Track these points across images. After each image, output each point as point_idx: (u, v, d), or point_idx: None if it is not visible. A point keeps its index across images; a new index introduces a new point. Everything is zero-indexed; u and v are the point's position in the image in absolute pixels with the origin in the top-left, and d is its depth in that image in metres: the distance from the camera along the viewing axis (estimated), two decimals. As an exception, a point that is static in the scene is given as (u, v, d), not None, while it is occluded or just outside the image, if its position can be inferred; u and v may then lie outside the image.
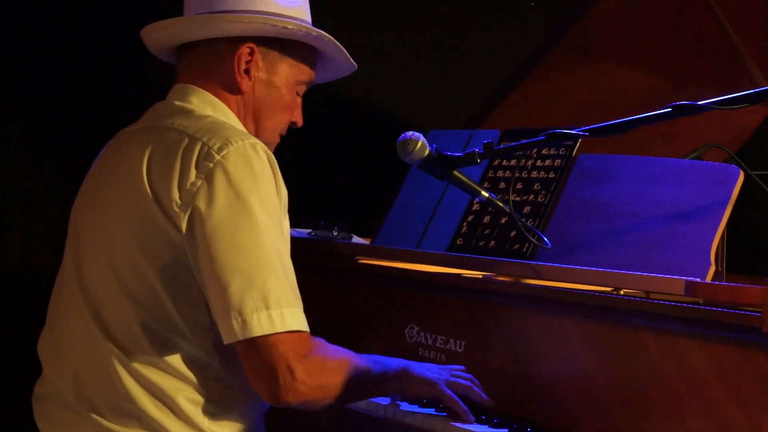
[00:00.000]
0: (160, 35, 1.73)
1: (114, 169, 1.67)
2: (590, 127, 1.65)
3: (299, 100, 1.81)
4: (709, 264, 1.71)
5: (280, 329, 1.52)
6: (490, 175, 2.12)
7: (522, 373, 1.80)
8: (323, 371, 1.59)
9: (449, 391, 1.74)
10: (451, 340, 1.93)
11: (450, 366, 1.82)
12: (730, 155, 2.10)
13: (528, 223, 1.90)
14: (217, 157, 1.54)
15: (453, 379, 1.77)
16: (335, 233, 2.29)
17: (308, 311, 2.25)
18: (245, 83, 1.71)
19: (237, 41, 1.69)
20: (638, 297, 1.70)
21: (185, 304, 1.58)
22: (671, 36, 2.27)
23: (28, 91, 2.58)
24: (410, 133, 1.80)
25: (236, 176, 1.53)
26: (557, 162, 2.02)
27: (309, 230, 2.32)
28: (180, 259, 1.55)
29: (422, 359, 1.93)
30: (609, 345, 1.69)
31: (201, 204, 1.52)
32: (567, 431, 1.69)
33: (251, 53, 1.70)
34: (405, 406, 1.82)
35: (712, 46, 2.27)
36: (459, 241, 2.07)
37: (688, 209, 1.80)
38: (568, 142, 2.03)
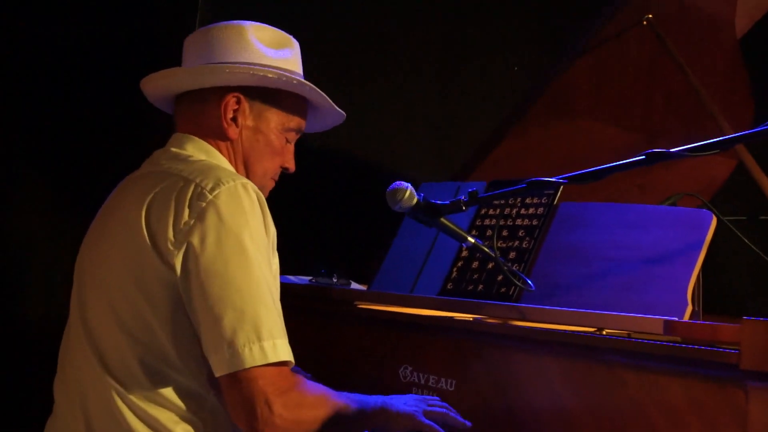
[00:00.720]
0: (154, 86, 1.77)
1: (114, 213, 1.69)
2: (569, 175, 1.68)
3: (290, 147, 1.84)
4: (686, 304, 1.73)
5: (272, 359, 1.53)
6: (477, 223, 2.15)
7: (507, 411, 1.80)
8: (301, 406, 1.58)
9: (428, 420, 1.75)
10: (443, 379, 1.93)
11: (425, 397, 1.84)
12: (703, 203, 2.14)
13: (513, 268, 1.93)
14: (210, 197, 1.56)
15: (430, 408, 1.78)
16: (335, 280, 2.31)
17: (308, 353, 2.26)
18: (232, 130, 1.74)
19: (223, 91, 1.72)
20: (619, 336, 1.72)
21: (179, 339, 1.59)
22: (643, 93, 2.31)
23: (47, 143, 2.60)
24: (399, 183, 1.82)
25: (227, 214, 1.55)
26: (540, 210, 2.06)
27: (310, 278, 2.34)
28: (174, 296, 1.57)
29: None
30: (590, 382, 1.69)
31: (194, 241, 1.54)
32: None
33: (238, 102, 1.73)
34: None
35: (681, 102, 2.32)
36: (449, 286, 2.09)
37: (665, 252, 1.82)
38: (549, 191, 2.06)
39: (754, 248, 2.00)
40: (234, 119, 1.74)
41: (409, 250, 2.24)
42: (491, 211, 2.14)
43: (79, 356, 1.66)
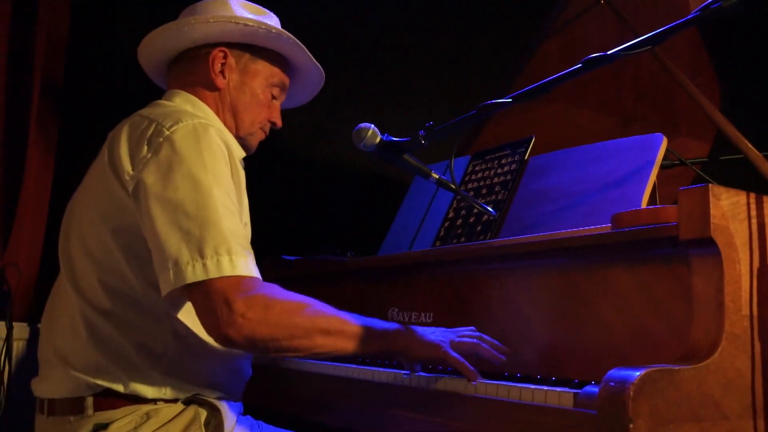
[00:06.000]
0: (150, 51, 1.63)
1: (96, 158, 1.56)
2: (515, 94, 1.49)
3: (276, 103, 1.67)
4: (640, 217, 1.50)
5: (214, 275, 1.27)
6: (463, 189, 1.98)
7: (480, 330, 1.57)
8: (269, 307, 1.28)
9: (454, 353, 1.39)
10: (423, 314, 1.71)
11: (458, 329, 1.47)
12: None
13: (479, 201, 1.74)
14: (167, 133, 1.39)
15: (459, 339, 1.43)
16: (347, 259, 2.15)
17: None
18: (219, 80, 1.58)
19: (211, 47, 1.59)
20: (569, 235, 1.48)
21: (137, 263, 1.39)
22: (612, 77, 2.11)
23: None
24: (363, 123, 1.67)
25: (181, 147, 1.36)
26: (513, 166, 1.87)
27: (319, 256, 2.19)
28: (131, 222, 1.39)
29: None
30: (546, 289, 1.46)
31: (148, 171, 1.36)
32: (515, 374, 1.43)
33: (225, 57, 1.59)
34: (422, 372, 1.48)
35: (650, 86, 2.10)
36: (437, 243, 1.90)
37: (620, 176, 1.60)
38: (521, 149, 1.89)
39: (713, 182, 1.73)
40: (222, 72, 1.59)
41: (408, 223, 2.07)
42: (473, 177, 1.97)
43: (59, 282, 1.52)
